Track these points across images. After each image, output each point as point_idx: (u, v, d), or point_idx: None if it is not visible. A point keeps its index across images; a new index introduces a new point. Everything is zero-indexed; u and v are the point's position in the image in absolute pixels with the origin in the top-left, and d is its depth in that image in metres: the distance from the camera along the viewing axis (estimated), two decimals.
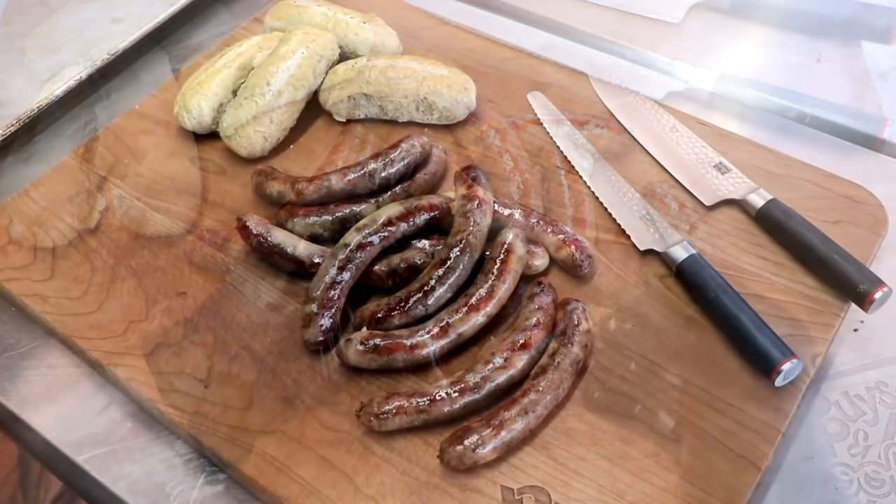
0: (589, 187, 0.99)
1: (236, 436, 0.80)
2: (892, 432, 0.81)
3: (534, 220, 0.92)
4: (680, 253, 0.89)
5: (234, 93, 1.08)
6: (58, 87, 1.14)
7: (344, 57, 1.13)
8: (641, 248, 0.93)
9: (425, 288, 0.85)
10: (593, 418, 0.80)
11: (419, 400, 0.78)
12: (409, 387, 0.83)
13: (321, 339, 0.85)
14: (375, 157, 0.97)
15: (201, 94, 1.05)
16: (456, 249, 0.86)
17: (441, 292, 0.85)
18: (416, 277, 0.88)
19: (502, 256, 0.86)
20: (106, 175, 1.05)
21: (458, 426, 0.77)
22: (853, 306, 0.86)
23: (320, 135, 1.09)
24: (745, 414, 0.79)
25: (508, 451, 0.77)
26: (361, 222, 0.90)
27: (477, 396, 0.79)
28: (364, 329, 0.84)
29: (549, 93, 1.11)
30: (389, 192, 0.97)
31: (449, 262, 0.86)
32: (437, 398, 0.78)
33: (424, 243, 0.92)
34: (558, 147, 1.04)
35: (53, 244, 0.98)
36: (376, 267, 0.89)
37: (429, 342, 0.82)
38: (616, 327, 0.87)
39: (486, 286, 0.84)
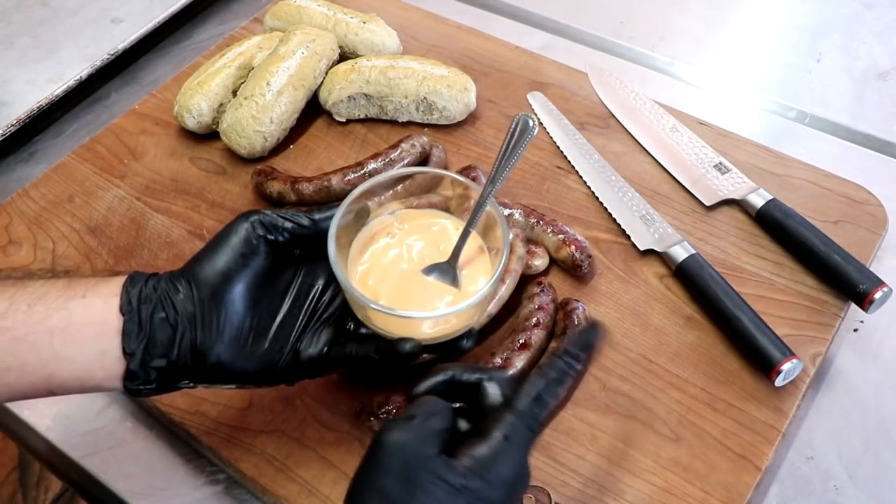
0: (589, 187, 0.99)
1: (236, 436, 0.80)
2: (892, 432, 0.81)
3: (534, 220, 0.92)
4: (680, 253, 0.89)
5: (234, 93, 1.08)
6: (58, 87, 1.14)
7: (344, 57, 1.13)
8: (641, 248, 0.93)
9: None
10: (593, 418, 0.80)
11: None
12: (409, 387, 0.83)
13: None
14: (375, 157, 0.97)
15: (201, 93, 1.05)
16: None
17: None
18: None
19: None
20: (106, 175, 1.05)
21: None
22: (853, 306, 0.86)
23: (320, 135, 1.09)
24: (745, 414, 0.79)
25: None
26: None
27: None
28: None
29: (549, 93, 1.11)
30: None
31: None
32: None
33: None
34: (558, 147, 1.04)
35: (53, 244, 0.98)
36: None
37: None
38: (616, 327, 0.87)
39: None
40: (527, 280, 0.88)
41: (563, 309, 0.85)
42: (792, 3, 1.30)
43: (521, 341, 0.81)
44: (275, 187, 0.98)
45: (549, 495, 0.75)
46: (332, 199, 0.97)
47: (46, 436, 0.85)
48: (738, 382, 0.82)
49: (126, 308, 0.61)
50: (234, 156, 1.06)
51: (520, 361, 0.80)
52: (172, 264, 0.95)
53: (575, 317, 0.83)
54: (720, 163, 0.99)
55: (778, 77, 1.18)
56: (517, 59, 1.16)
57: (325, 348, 0.68)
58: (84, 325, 0.61)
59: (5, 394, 0.61)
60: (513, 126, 0.71)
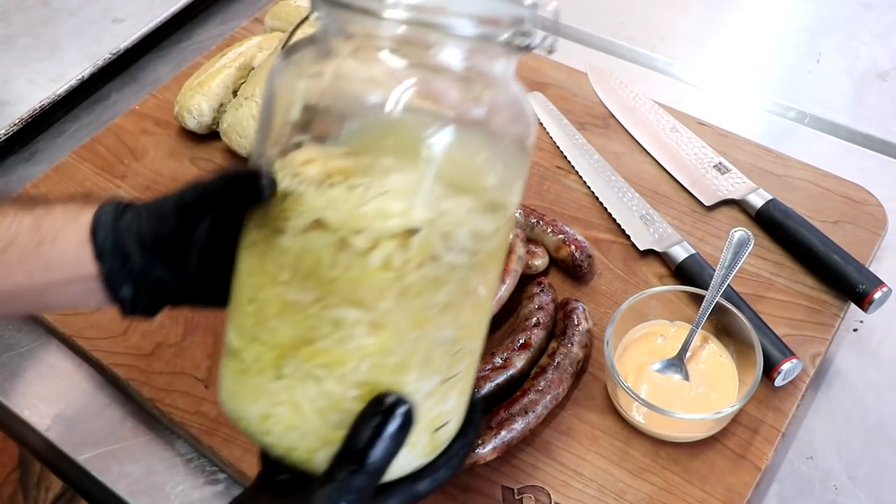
0: (589, 187, 0.99)
1: (236, 436, 0.80)
2: (892, 432, 0.81)
3: (534, 220, 0.92)
4: (679, 253, 0.89)
5: (235, 93, 1.08)
6: (60, 87, 1.14)
7: None
8: (641, 248, 0.93)
9: None
10: (593, 418, 0.80)
11: None
12: None
13: None
14: None
15: (202, 94, 1.06)
16: None
17: None
18: None
19: None
20: (106, 175, 1.05)
21: None
22: (853, 306, 0.86)
23: None
24: (744, 414, 0.79)
25: (508, 451, 0.77)
26: None
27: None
28: None
29: (548, 93, 1.11)
30: None
31: None
32: None
33: None
34: (558, 147, 1.04)
35: None
36: None
37: None
38: None
39: None
40: (527, 280, 0.88)
41: (562, 309, 0.85)
42: (792, 4, 1.30)
43: (520, 341, 0.81)
44: None
45: (549, 495, 0.75)
46: None
47: (47, 435, 0.85)
48: None
49: (102, 262, 0.59)
50: (234, 156, 1.06)
51: (520, 361, 0.80)
52: None
53: (575, 317, 0.83)
54: (720, 163, 0.99)
55: (778, 77, 1.18)
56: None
57: None
58: (62, 269, 0.60)
59: (4, 315, 0.61)
60: (731, 239, 0.81)
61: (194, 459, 0.82)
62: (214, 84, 1.06)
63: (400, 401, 0.51)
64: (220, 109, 1.07)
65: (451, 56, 0.51)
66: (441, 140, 0.48)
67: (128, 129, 1.11)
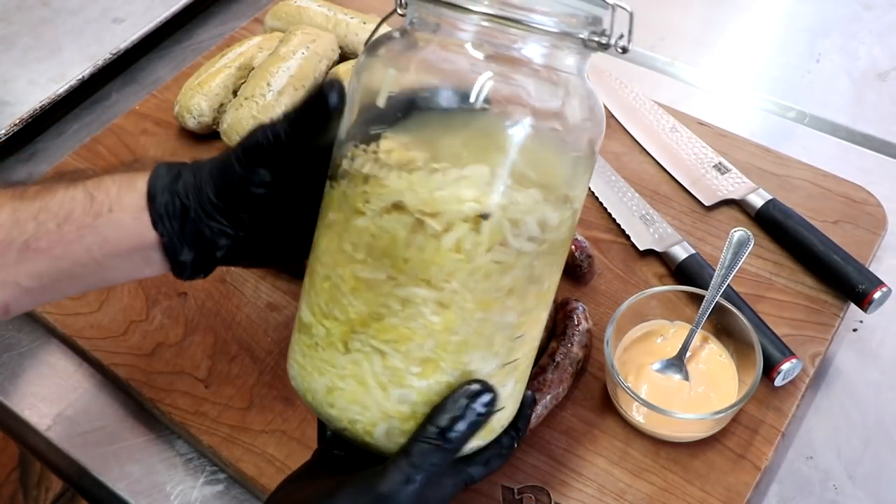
0: (589, 187, 0.99)
1: (236, 435, 0.80)
2: (892, 432, 0.81)
3: None
4: (679, 253, 0.90)
5: (235, 93, 1.08)
6: (60, 87, 1.14)
7: (344, 57, 1.13)
8: (641, 248, 0.93)
9: None
10: (593, 418, 0.80)
11: None
12: None
13: None
14: None
15: (202, 94, 1.06)
16: None
17: None
18: None
19: None
20: None
21: None
22: (852, 306, 0.86)
23: None
24: (744, 413, 0.79)
25: None
26: None
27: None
28: None
29: None
30: None
31: None
32: None
33: None
34: None
35: None
36: None
37: None
38: None
39: None
40: None
41: (562, 309, 0.85)
42: (791, 4, 1.30)
43: None
44: None
45: (549, 495, 0.75)
46: None
47: (47, 435, 0.85)
48: None
49: (161, 227, 0.60)
50: None
51: None
52: None
53: (575, 317, 0.83)
54: (720, 163, 0.99)
55: (777, 77, 1.18)
56: None
57: None
58: (120, 241, 0.60)
59: (63, 295, 0.63)
60: (730, 239, 0.80)
61: (194, 459, 0.82)
62: (215, 84, 1.07)
63: (486, 388, 0.53)
64: (221, 109, 1.07)
65: (532, 51, 0.53)
66: (519, 131, 0.51)
67: (128, 129, 1.11)
